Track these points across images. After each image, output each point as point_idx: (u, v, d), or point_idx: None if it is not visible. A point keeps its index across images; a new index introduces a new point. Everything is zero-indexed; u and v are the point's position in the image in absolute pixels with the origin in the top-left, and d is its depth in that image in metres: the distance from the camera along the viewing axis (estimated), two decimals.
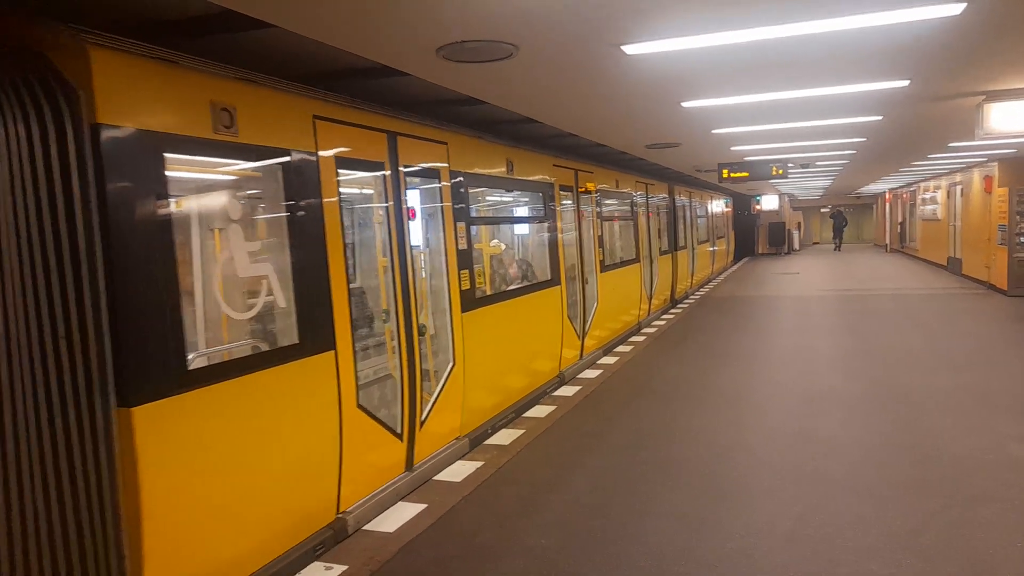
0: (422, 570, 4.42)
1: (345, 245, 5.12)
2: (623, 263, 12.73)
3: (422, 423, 5.97)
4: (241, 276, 4.29)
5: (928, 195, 25.37)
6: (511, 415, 7.65)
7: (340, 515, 4.95)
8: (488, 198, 9.38)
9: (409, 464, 5.82)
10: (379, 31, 4.15)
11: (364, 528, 5.02)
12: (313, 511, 4.72)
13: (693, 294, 19.24)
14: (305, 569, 4.45)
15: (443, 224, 6.52)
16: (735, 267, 28.60)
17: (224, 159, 4.30)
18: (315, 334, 4.68)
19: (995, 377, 8.49)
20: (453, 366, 6.48)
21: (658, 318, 14.87)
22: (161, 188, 3.64)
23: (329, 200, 4.88)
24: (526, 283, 8.87)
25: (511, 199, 9.63)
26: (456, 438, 6.59)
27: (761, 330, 13.01)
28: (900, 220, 32.88)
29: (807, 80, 6.26)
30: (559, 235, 9.53)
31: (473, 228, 7.23)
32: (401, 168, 5.81)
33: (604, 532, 4.74)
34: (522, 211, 10.08)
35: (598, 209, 11.30)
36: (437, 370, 6.47)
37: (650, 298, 14.67)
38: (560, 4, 3.76)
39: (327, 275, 4.81)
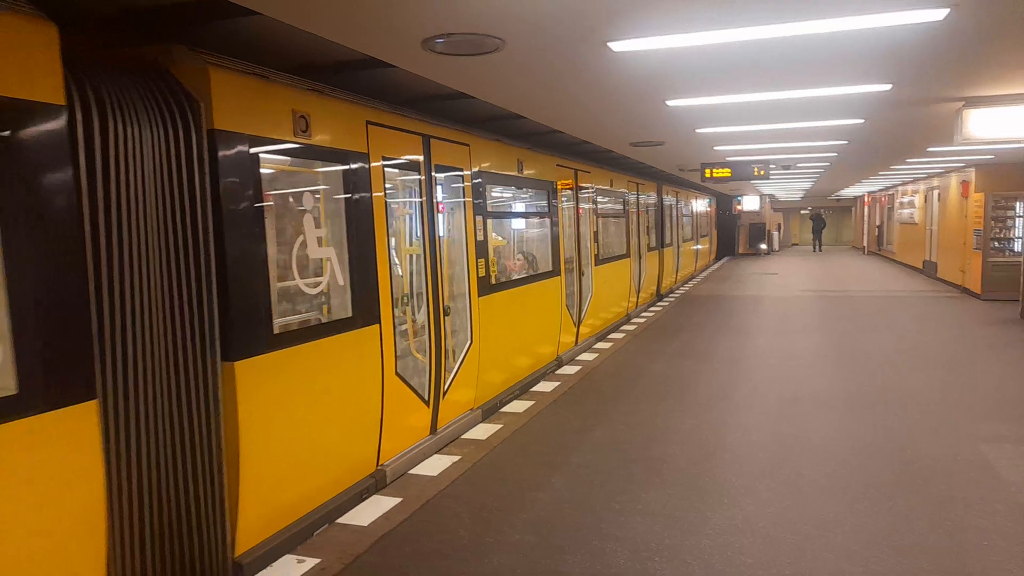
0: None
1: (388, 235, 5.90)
2: (615, 258, 13.56)
3: (444, 393, 6.76)
4: (312, 258, 5.05)
5: (906, 199, 25.78)
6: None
7: (380, 467, 5.73)
8: (500, 194, 10.15)
9: (433, 428, 6.61)
10: (363, 21, 4.10)
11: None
12: (360, 461, 5.50)
13: (677, 290, 20.12)
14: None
15: (464, 217, 7.30)
16: (716, 265, 29.49)
17: (300, 158, 5.05)
18: (365, 310, 5.46)
19: (968, 380, 8.74)
20: (470, 344, 7.27)
21: (645, 311, 15.73)
22: (257, 182, 4.40)
23: (377, 195, 5.65)
24: (531, 273, 9.65)
25: (520, 195, 10.37)
26: (471, 409, 7.38)
27: (740, 330, 13.00)
28: (878, 223, 33.49)
29: (790, 82, 6.28)
30: (560, 230, 10.33)
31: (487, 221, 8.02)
32: (433, 166, 6.58)
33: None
34: (529, 207, 10.87)
35: (594, 207, 12.12)
36: (455, 348, 7.25)
37: (638, 292, 15.52)
38: None
39: (375, 259, 5.58)
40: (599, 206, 12.59)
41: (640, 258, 15.67)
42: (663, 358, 10.38)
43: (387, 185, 5.93)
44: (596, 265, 12.02)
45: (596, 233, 12.18)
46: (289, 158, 4.91)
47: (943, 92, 6.96)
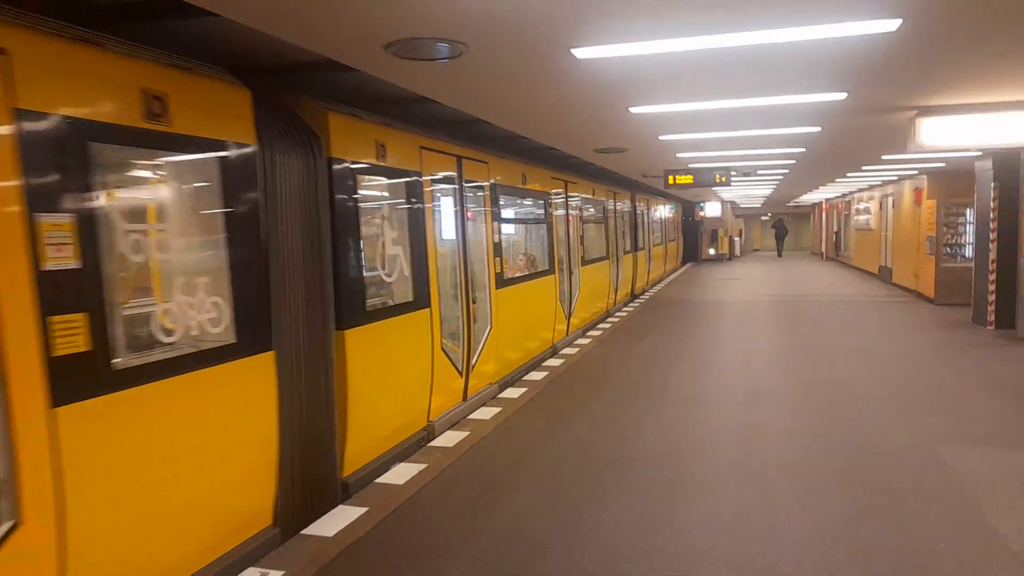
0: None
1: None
2: (597, 260, 15.14)
3: (472, 367, 8.20)
4: (388, 254, 6.49)
5: (862, 205, 26.28)
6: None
7: (430, 422, 7.16)
8: (509, 203, 11.62)
9: (465, 395, 8.06)
10: (325, 24, 4.09)
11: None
12: (417, 416, 6.94)
13: (648, 291, 21.77)
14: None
15: (485, 223, 8.77)
16: (681, 270, 30.87)
17: (381, 178, 6.48)
18: (421, 296, 6.90)
19: (922, 380, 9.02)
20: (491, 328, 8.73)
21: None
22: (355, 195, 5.83)
23: (428, 204, 7.10)
24: (533, 271, 11.15)
25: (523, 204, 11.80)
26: (490, 383, 8.84)
27: (705, 333, 13.35)
28: (835, 230, 34.28)
29: (750, 90, 6.38)
30: (554, 234, 11.86)
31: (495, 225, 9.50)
32: (464, 181, 8.05)
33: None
34: (529, 214, 12.29)
35: (580, 213, 13.68)
36: (479, 332, 8.68)
37: (616, 291, 17.12)
38: (511, 4, 3.79)
39: (427, 256, 7.03)
40: (584, 213, 14.16)
41: (618, 260, 17.27)
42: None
43: (434, 197, 7.39)
44: (582, 265, 13.58)
45: (582, 237, 13.74)
46: (373, 177, 6.33)
47: (897, 101, 7.11)
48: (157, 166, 4.35)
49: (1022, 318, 11.98)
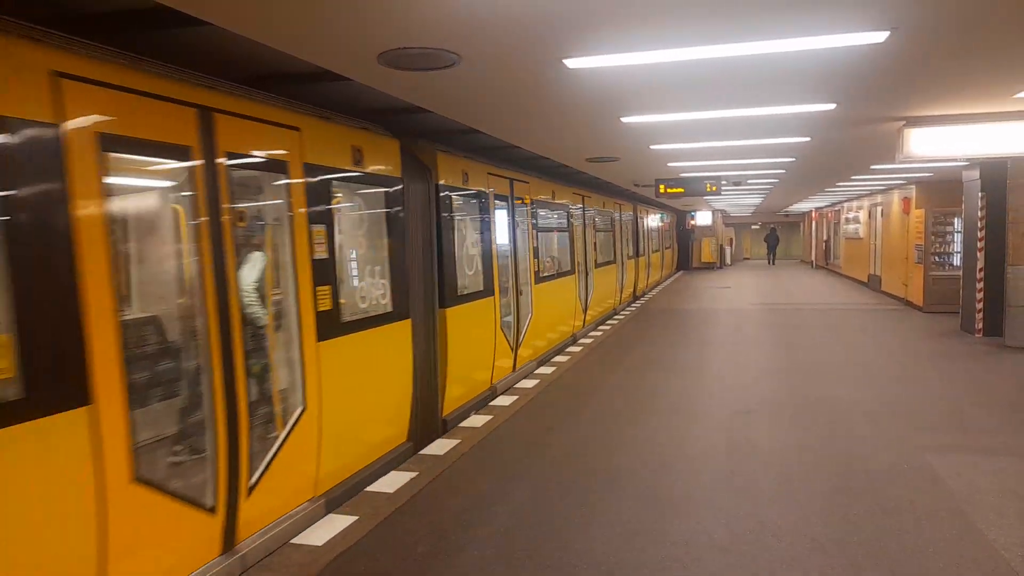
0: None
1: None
2: (607, 263, 17.41)
3: (520, 345, 10.35)
4: (468, 254, 8.63)
5: (851, 215, 26.47)
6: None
7: (492, 384, 9.29)
8: (542, 214, 13.77)
9: (514, 367, 10.20)
10: (318, 33, 4.11)
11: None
12: (485, 377, 9.07)
13: (646, 294, 23.87)
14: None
15: (527, 230, 10.93)
16: (674, 278, 31.69)
17: (465, 198, 8.61)
18: (488, 286, 9.05)
19: (913, 391, 8.98)
20: (532, 316, 10.88)
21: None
22: (452, 211, 7.98)
23: (491, 217, 9.29)
24: (559, 271, 13.32)
25: (551, 215, 13.91)
26: (531, 360, 10.98)
27: (697, 342, 13.41)
28: (825, 238, 34.89)
29: (740, 100, 6.41)
30: (574, 240, 14.05)
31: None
32: (514, 198, 10.22)
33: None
34: (555, 223, 14.25)
35: (594, 223, 15.92)
36: (522, 318, 10.79)
37: (621, 291, 19.33)
38: (502, 15, 3.79)
39: (492, 256, 9.21)
40: (596, 222, 16.38)
41: (623, 264, 19.47)
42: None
43: (495, 210, 9.55)
44: (595, 268, 15.77)
45: (595, 244, 15.95)
46: (461, 197, 8.48)
47: (885, 112, 7.17)
48: (356, 194, 6.47)
49: (1010, 326, 11.98)
